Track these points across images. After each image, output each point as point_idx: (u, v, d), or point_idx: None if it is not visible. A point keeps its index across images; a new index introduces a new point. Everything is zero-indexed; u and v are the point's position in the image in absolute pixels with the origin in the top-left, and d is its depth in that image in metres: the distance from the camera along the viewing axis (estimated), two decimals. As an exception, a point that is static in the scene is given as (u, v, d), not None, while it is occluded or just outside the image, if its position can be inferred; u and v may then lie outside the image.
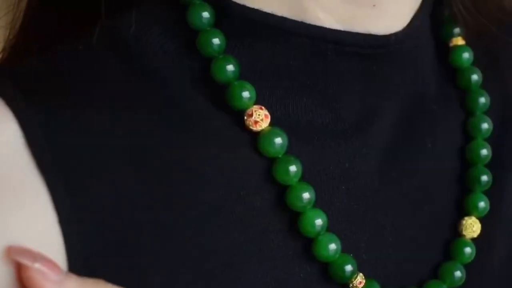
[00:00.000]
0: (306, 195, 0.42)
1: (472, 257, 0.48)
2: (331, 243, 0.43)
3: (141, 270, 0.39)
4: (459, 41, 0.51)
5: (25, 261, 0.35)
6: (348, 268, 0.43)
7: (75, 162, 0.38)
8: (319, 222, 0.43)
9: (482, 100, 0.50)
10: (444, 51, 0.51)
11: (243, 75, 0.42)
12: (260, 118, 0.42)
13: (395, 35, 0.45)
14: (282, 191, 0.43)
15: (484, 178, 0.49)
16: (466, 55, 0.50)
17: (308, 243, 0.43)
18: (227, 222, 0.41)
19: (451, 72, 0.51)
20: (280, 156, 0.42)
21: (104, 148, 0.39)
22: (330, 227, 0.44)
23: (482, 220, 0.49)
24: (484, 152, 0.49)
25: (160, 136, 0.41)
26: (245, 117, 0.42)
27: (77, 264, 0.38)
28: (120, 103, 0.41)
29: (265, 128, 0.42)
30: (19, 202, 0.37)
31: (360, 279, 0.44)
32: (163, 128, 0.41)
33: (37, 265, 0.35)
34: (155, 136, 0.41)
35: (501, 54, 0.53)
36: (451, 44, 0.51)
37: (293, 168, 0.42)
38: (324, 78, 0.44)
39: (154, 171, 0.40)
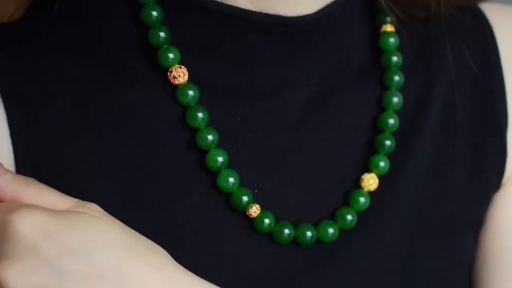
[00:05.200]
0: (210, 137, 0.54)
1: (366, 206, 0.57)
2: (230, 177, 0.54)
3: (69, 177, 0.53)
4: (388, 27, 0.61)
5: None
6: (245, 198, 0.54)
7: (29, 95, 0.53)
8: (220, 159, 0.54)
9: (397, 78, 0.59)
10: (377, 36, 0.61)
11: (173, 41, 0.55)
12: (178, 74, 0.54)
13: (302, 17, 0.55)
14: (193, 134, 0.55)
15: (388, 142, 0.58)
16: (391, 40, 0.60)
17: (213, 178, 0.55)
18: (148, 153, 0.54)
19: (379, 54, 0.60)
20: (191, 105, 0.54)
21: (53, 88, 0.54)
22: (235, 167, 0.55)
23: (382, 177, 0.58)
24: (391, 121, 0.58)
25: (99, 85, 0.54)
26: (168, 73, 0.55)
27: (23, 169, 0.52)
28: (70, 57, 0.55)
29: (182, 82, 0.54)
30: None
31: (255, 209, 0.55)
32: (103, 79, 0.54)
33: None
34: (94, 84, 0.54)
35: (428, 42, 0.61)
36: (382, 30, 0.61)
37: (200, 115, 0.54)
38: (239, 49, 0.55)
39: (90, 109, 0.54)
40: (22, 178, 0.51)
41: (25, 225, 0.46)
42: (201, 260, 0.54)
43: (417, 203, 0.59)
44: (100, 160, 0.53)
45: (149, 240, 0.51)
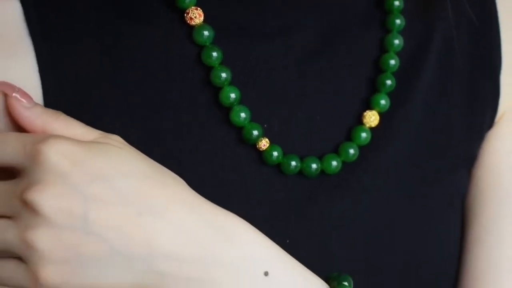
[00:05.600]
0: (224, 75, 0.58)
1: (367, 141, 0.61)
2: (242, 112, 0.59)
3: (95, 111, 0.57)
4: (392, -27, 0.64)
5: (9, 91, 0.54)
6: (255, 132, 0.59)
7: (56, 35, 0.57)
8: (233, 95, 0.58)
9: (398, 21, 0.63)
10: None
11: None
12: (194, 16, 0.58)
13: None
14: (207, 72, 0.59)
15: (389, 82, 0.62)
16: (394, -15, 0.64)
17: (226, 113, 0.59)
18: (166, 89, 0.58)
19: None
20: (207, 44, 0.58)
21: (79, 27, 0.57)
22: (246, 103, 0.59)
23: (382, 115, 0.62)
24: (392, 62, 0.62)
25: (122, 25, 0.58)
26: (185, 15, 0.58)
27: (50, 103, 0.56)
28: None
29: (198, 23, 0.58)
30: (13, 54, 0.55)
31: (264, 142, 0.59)
32: (125, 20, 0.58)
33: (15, 94, 0.54)
34: (117, 24, 0.58)
35: None
36: (385, -25, 0.64)
37: (215, 54, 0.58)
38: None
39: (114, 48, 0.58)
40: (50, 111, 0.55)
41: (55, 154, 0.50)
42: (214, 189, 0.58)
43: (414, 139, 0.63)
44: (121, 95, 0.57)
45: (167, 169, 0.55)
